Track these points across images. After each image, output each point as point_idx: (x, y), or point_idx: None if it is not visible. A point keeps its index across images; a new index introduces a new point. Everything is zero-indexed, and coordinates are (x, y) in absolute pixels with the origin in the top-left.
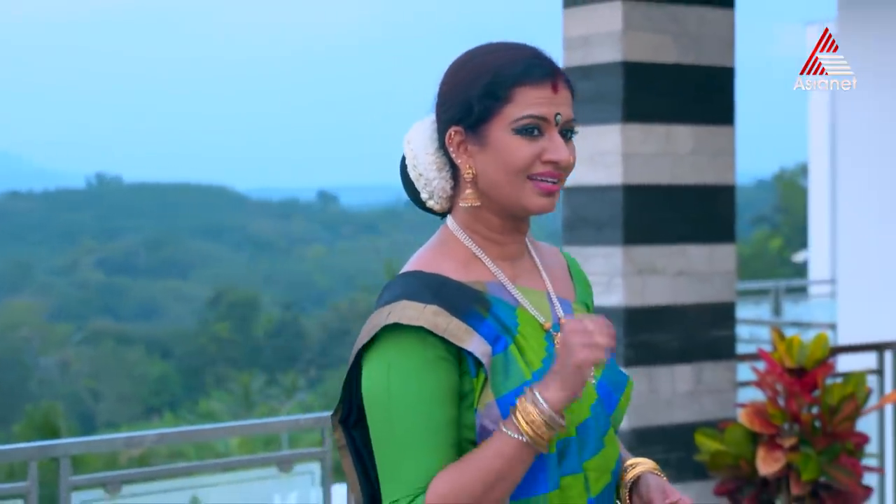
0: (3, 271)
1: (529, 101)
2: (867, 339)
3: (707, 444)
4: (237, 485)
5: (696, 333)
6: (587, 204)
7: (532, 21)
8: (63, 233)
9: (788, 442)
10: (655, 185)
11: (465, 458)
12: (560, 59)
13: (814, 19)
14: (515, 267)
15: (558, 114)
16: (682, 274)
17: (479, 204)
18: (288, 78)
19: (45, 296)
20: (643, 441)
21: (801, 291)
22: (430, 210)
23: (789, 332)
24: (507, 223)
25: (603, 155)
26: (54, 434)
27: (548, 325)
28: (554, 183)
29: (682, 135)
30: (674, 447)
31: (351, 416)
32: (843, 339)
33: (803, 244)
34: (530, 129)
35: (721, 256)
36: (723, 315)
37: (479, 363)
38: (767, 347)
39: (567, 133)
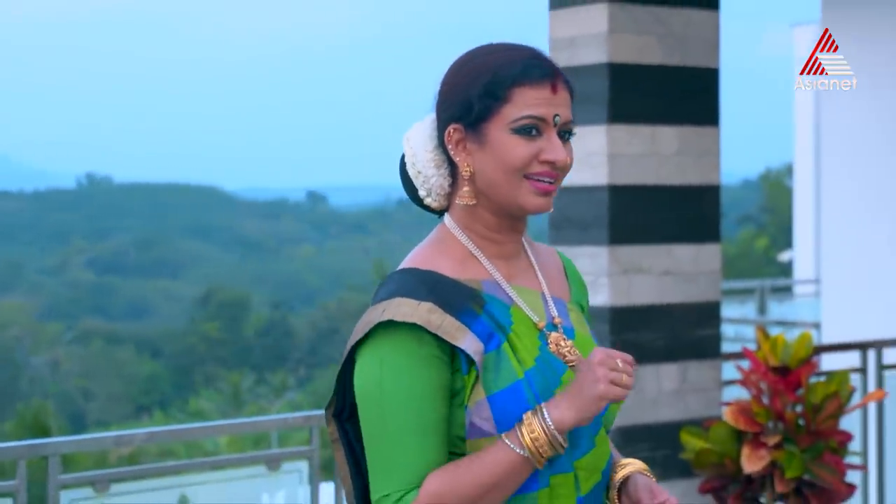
0: None
1: (528, 102)
2: (851, 338)
3: (692, 442)
4: (225, 483)
5: (682, 333)
6: (573, 204)
7: (519, 22)
8: (53, 233)
9: (773, 440)
10: (641, 186)
11: (461, 462)
12: None
13: (799, 21)
14: (511, 266)
15: (557, 115)
16: (668, 273)
17: (475, 202)
18: (278, 79)
19: (35, 295)
20: (629, 439)
21: (786, 291)
22: (427, 208)
23: (774, 332)
24: (503, 222)
25: (589, 155)
26: (44, 433)
27: (542, 324)
28: (550, 183)
29: (668, 135)
30: (659, 445)
31: (344, 411)
32: (828, 337)
33: (789, 244)
34: (528, 129)
35: (706, 256)
36: (708, 314)
37: (471, 360)
38: (752, 346)
39: (565, 134)
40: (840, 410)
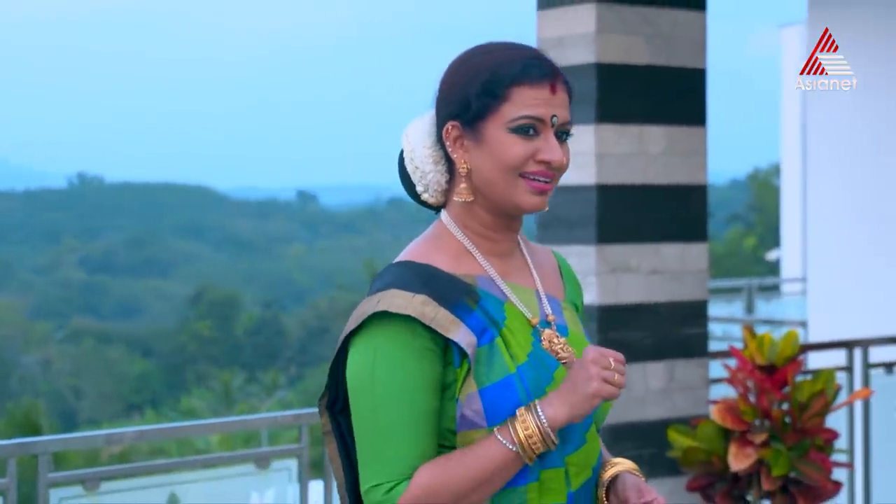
0: None
1: (527, 101)
2: (837, 336)
3: (679, 440)
4: (215, 482)
5: (669, 331)
6: (561, 203)
7: (507, 23)
8: (45, 232)
9: (759, 438)
10: (629, 185)
11: (452, 456)
12: None
13: (787, 21)
14: (506, 264)
15: (554, 115)
16: (655, 272)
17: (472, 199)
18: (269, 79)
19: (26, 294)
20: (616, 437)
21: (774, 289)
22: (424, 203)
23: (762, 330)
24: (499, 221)
25: (576, 155)
26: (36, 431)
27: (535, 320)
28: (546, 182)
29: (655, 135)
30: (647, 443)
31: (337, 402)
32: (814, 336)
33: (776, 243)
34: (526, 129)
35: (693, 255)
36: (695, 313)
37: (463, 354)
38: (740, 345)
39: (562, 134)
40: (826, 408)
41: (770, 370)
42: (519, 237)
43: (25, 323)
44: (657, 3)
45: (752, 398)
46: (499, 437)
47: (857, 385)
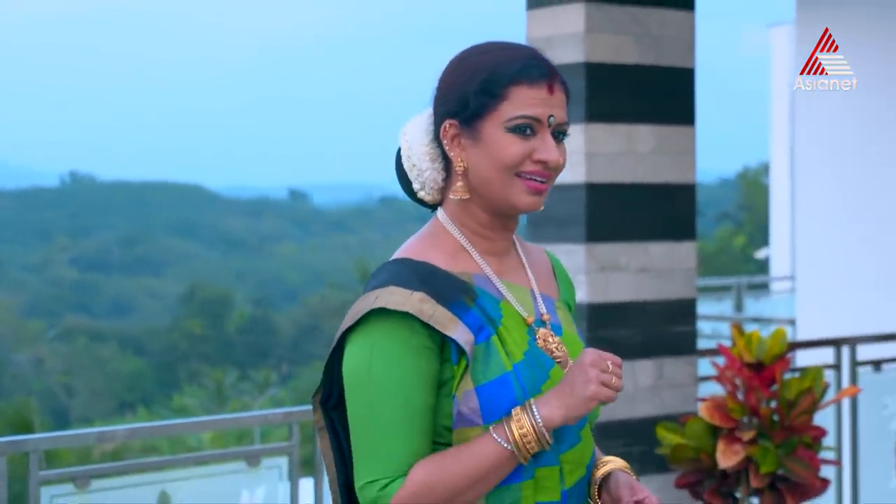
0: None
1: (524, 101)
2: (825, 334)
3: (668, 437)
4: (206, 479)
5: (658, 329)
6: (551, 202)
7: (496, 22)
8: (37, 230)
9: (747, 435)
10: (618, 184)
11: (447, 453)
12: None
13: (776, 21)
14: (502, 262)
15: (552, 115)
16: (644, 271)
17: (468, 197)
18: (260, 78)
19: (18, 293)
20: (605, 435)
21: (763, 288)
22: (420, 201)
23: (751, 328)
24: (495, 220)
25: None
26: (28, 430)
27: (530, 319)
28: (542, 182)
29: (644, 134)
30: (635, 441)
31: (331, 398)
32: (802, 334)
33: (766, 241)
34: (523, 129)
35: (682, 254)
36: (684, 311)
37: (461, 351)
38: (729, 343)
39: (559, 135)
40: (814, 406)
41: (758, 368)
42: (514, 237)
43: (17, 321)
44: (646, 2)
45: (740, 396)
46: (494, 435)
47: (845, 383)
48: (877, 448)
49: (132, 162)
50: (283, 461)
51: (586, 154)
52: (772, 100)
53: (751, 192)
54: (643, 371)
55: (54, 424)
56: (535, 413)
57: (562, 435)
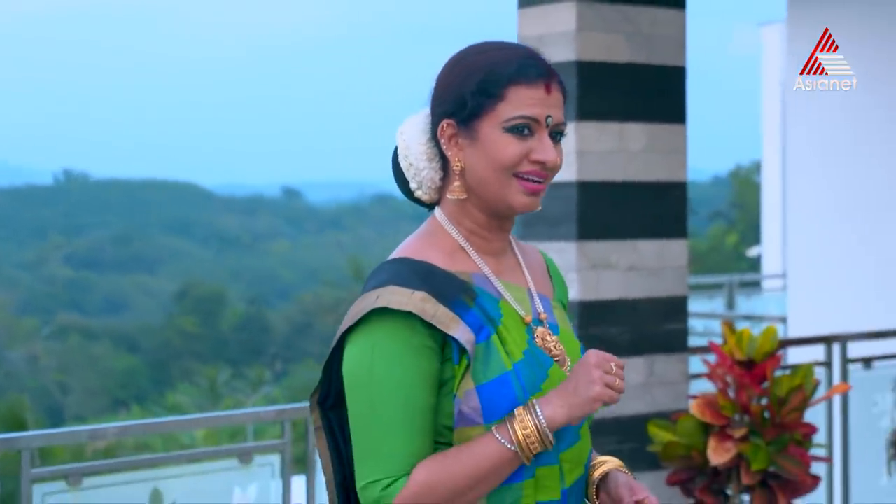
0: None
1: (522, 101)
2: (816, 332)
3: (659, 434)
4: (198, 477)
5: (649, 327)
6: (542, 200)
7: (488, 21)
8: (30, 228)
9: (739, 433)
10: (609, 182)
11: (449, 453)
12: None
13: (767, 20)
14: (499, 262)
15: (549, 115)
16: (635, 269)
17: (465, 197)
18: (253, 76)
19: (11, 290)
20: (597, 432)
21: (755, 286)
22: (417, 200)
23: (742, 326)
24: (492, 220)
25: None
26: (21, 427)
27: (528, 318)
28: (539, 182)
29: (635, 133)
30: (627, 438)
31: (329, 398)
32: (794, 332)
33: (758, 239)
34: (520, 129)
35: (673, 252)
36: (675, 309)
37: (462, 350)
38: (720, 340)
39: (556, 135)
40: (805, 403)
41: (749, 365)
42: (510, 237)
43: (11, 319)
44: (637, 1)
45: (731, 393)
46: (497, 435)
47: (836, 380)
48: (867, 445)
49: (126, 160)
50: (275, 459)
51: (578, 152)
52: (763, 98)
53: (743, 190)
54: (634, 368)
55: (48, 422)
56: (539, 413)
57: (562, 434)
